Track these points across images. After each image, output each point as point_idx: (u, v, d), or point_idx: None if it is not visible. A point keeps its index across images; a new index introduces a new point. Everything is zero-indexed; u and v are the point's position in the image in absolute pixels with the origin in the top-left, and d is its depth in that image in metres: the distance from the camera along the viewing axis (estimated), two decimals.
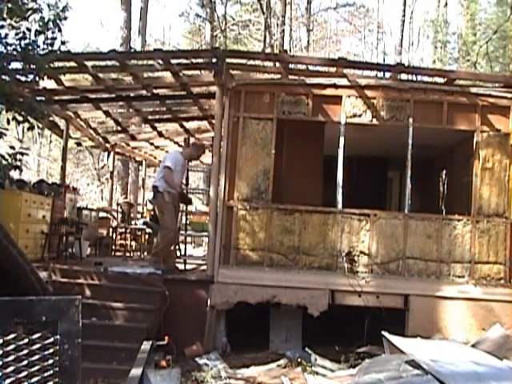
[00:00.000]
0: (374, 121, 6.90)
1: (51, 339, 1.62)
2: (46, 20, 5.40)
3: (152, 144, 12.06)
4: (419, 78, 8.44)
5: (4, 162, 5.27)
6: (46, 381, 1.63)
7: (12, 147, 5.76)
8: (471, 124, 6.86)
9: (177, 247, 8.12)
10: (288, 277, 6.60)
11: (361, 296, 6.51)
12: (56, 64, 6.87)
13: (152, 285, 6.48)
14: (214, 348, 6.38)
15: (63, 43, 5.65)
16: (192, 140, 8.97)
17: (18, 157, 5.44)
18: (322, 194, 7.95)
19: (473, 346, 5.83)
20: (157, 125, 10.54)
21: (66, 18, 5.62)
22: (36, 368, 1.63)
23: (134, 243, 10.34)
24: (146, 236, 10.30)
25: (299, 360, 5.94)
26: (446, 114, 6.82)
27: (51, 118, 9.03)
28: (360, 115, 6.89)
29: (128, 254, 9.59)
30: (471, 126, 6.87)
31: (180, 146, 11.76)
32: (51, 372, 1.63)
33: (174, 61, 7.07)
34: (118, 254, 9.97)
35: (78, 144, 11.96)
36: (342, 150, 6.83)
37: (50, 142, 23.61)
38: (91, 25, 46.39)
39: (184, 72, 7.55)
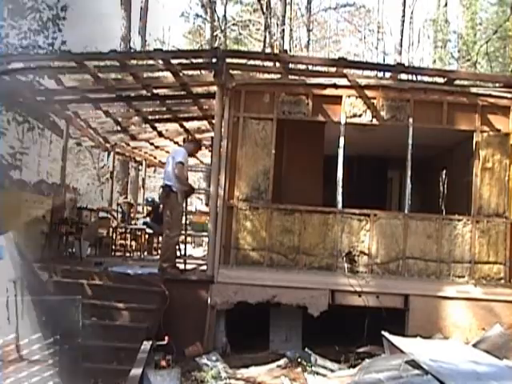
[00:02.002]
0: (374, 121, 6.90)
1: (51, 339, 1.63)
2: (44, 20, 5.42)
3: (152, 144, 12.06)
4: (419, 77, 8.44)
5: (4, 162, 5.28)
6: (46, 381, 1.64)
7: (12, 147, 5.76)
8: (471, 124, 6.86)
9: (177, 247, 8.12)
10: (288, 277, 6.60)
11: (361, 296, 6.51)
12: (56, 64, 6.88)
13: (152, 285, 6.49)
14: (214, 348, 6.37)
15: (63, 43, 5.66)
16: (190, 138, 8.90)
17: (18, 157, 5.45)
18: (322, 193, 7.94)
19: (473, 345, 5.84)
20: (157, 125, 10.53)
21: (64, 18, 5.64)
22: (36, 368, 1.63)
23: (133, 243, 10.34)
24: (146, 236, 10.31)
25: (299, 360, 5.94)
26: (446, 113, 6.82)
27: (51, 118, 9.02)
28: (360, 115, 6.89)
29: (128, 254, 9.59)
30: (471, 126, 6.87)
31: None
32: (51, 372, 1.63)
33: (174, 61, 7.06)
34: (118, 254, 9.97)
35: (78, 144, 11.96)
36: (342, 150, 6.84)
37: (50, 142, 23.57)
38: (91, 25, 46.24)
39: (184, 72, 7.54)
